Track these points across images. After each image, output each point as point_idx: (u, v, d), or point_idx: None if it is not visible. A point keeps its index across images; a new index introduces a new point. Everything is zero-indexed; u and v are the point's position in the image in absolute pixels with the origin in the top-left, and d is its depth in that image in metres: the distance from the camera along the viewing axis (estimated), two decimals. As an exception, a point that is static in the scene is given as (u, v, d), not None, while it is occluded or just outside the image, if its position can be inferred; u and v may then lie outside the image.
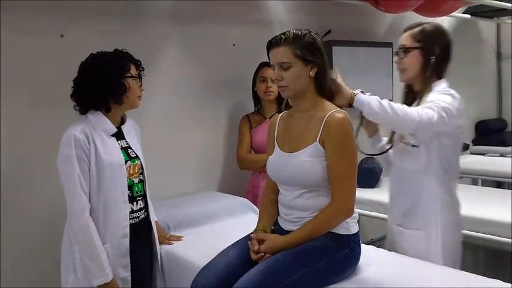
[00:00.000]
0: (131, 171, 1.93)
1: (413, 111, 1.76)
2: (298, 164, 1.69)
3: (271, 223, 1.83)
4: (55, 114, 2.30)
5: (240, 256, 1.72)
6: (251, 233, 1.79)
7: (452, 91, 1.90)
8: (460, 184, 4.24)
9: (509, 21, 4.85)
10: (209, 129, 3.04)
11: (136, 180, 1.96)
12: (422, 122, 1.74)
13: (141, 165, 1.98)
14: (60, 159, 1.80)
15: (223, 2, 3.00)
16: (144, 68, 1.96)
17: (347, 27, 3.71)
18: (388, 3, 3.23)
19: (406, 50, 1.94)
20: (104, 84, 1.84)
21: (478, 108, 5.26)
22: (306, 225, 1.69)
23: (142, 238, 2.00)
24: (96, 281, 1.79)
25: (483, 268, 3.75)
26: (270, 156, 1.82)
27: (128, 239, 1.89)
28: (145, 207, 2.02)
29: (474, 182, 4.35)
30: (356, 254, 1.73)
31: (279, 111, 1.93)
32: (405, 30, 1.98)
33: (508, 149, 4.71)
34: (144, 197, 2.00)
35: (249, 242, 1.74)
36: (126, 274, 1.90)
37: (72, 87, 1.88)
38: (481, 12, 4.53)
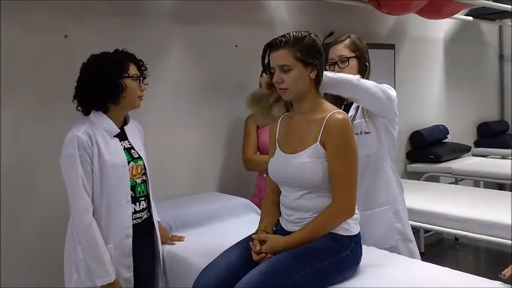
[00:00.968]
0: (134, 172, 1.94)
1: (372, 85, 1.97)
2: (299, 165, 1.70)
3: (272, 224, 1.83)
4: (58, 114, 2.32)
5: (242, 257, 1.72)
6: (253, 234, 1.80)
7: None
8: (462, 186, 4.27)
9: (511, 23, 4.85)
10: (211, 129, 3.05)
11: (139, 181, 1.96)
12: (387, 96, 2.00)
13: (144, 165, 1.99)
14: (63, 160, 1.81)
15: (226, 2, 3.01)
16: (146, 68, 1.96)
17: (349, 28, 3.70)
18: (390, 5, 3.24)
19: (346, 59, 2.12)
20: (100, 84, 1.84)
21: (479, 110, 5.27)
22: (307, 226, 1.69)
23: (145, 238, 2.01)
24: (99, 281, 1.80)
25: (484, 270, 3.75)
26: (271, 158, 1.83)
27: (131, 239, 1.90)
28: (148, 207, 2.02)
29: (476, 184, 4.36)
30: (357, 255, 1.74)
31: (287, 112, 1.94)
32: (336, 43, 2.17)
33: (510, 151, 4.71)
34: (146, 198, 2.01)
35: (251, 243, 1.74)
36: (129, 274, 1.91)
37: (74, 88, 1.89)
38: (483, 14, 4.54)
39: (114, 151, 1.87)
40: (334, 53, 2.15)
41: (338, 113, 1.69)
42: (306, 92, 1.73)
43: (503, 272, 1.61)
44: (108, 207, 1.84)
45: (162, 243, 2.12)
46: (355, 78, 1.94)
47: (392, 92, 2.05)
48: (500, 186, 4.42)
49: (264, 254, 1.69)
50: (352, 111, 2.15)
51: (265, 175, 2.75)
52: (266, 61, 1.75)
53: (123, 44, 1.97)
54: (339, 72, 2.08)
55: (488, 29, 5.32)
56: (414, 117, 4.35)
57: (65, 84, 1.96)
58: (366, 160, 2.08)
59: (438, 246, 4.25)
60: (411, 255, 2.17)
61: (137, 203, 1.95)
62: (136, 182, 1.95)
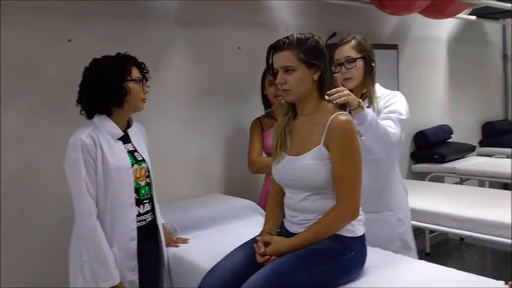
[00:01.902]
0: (138, 175, 1.94)
1: (392, 135, 1.98)
2: (302, 167, 1.70)
3: (277, 226, 1.83)
4: (62, 118, 2.32)
5: (246, 259, 1.72)
6: (257, 236, 1.80)
7: (399, 92, 2.17)
8: (467, 186, 4.25)
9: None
10: (215, 131, 3.05)
11: (143, 183, 1.97)
12: (396, 143, 2.00)
13: (148, 168, 1.99)
14: (68, 164, 1.82)
15: (229, 4, 3.01)
16: (148, 71, 1.97)
17: (352, 29, 3.70)
18: (393, 5, 3.23)
19: (353, 60, 2.12)
20: (104, 87, 1.85)
21: (483, 110, 5.25)
22: (312, 228, 1.69)
23: (149, 241, 2.01)
24: (103, 284, 1.80)
25: (490, 270, 3.74)
26: (274, 160, 1.83)
27: (135, 242, 1.90)
28: (152, 210, 2.03)
29: (481, 184, 4.34)
30: (362, 257, 1.73)
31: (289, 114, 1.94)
32: (341, 44, 2.16)
33: (515, 150, 4.69)
34: (150, 200, 2.01)
35: (255, 245, 1.74)
36: (134, 277, 1.91)
37: (78, 93, 1.90)
38: (486, 14, 4.52)
39: (118, 154, 1.88)
40: (340, 54, 2.14)
41: (341, 115, 1.69)
42: (309, 93, 1.73)
43: (509, 283, 1.60)
44: (112, 210, 1.85)
45: (166, 246, 2.12)
46: (394, 135, 1.97)
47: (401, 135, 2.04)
48: (506, 186, 4.39)
49: (268, 256, 1.68)
50: None
51: (271, 176, 2.75)
52: (270, 63, 1.76)
53: (127, 47, 1.98)
54: (345, 73, 2.12)
55: (492, 28, 5.30)
56: (418, 117, 4.33)
57: (69, 88, 1.97)
58: (374, 164, 2.07)
59: (443, 247, 4.24)
60: None
61: (141, 206, 1.96)
62: (140, 184, 1.95)
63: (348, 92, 1.80)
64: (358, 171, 1.69)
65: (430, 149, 4.33)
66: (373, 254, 1.83)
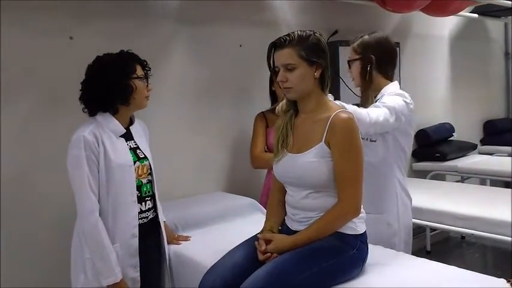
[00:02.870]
0: (140, 172, 1.94)
1: (364, 112, 1.94)
2: (304, 165, 1.70)
3: (278, 223, 1.83)
4: (64, 115, 2.33)
5: (247, 256, 1.73)
6: (258, 233, 1.80)
7: (403, 92, 2.13)
8: (468, 184, 4.25)
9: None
10: (216, 129, 3.05)
11: (144, 181, 1.97)
12: (371, 121, 1.93)
13: (150, 165, 2.00)
14: (70, 161, 1.82)
15: (230, 2, 3.01)
16: (150, 68, 1.98)
17: (354, 27, 3.69)
18: (395, 3, 3.23)
19: (349, 62, 2.20)
20: (110, 86, 1.85)
21: (485, 108, 5.24)
22: (313, 226, 1.69)
23: (151, 238, 2.02)
24: (105, 281, 1.81)
25: (491, 268, 3.74)
26: (275, 157, 1.83)
27: (137, 239, 1.90)
28: (154, 207, 2.03)
29: (482, 182, 4.34)
30: (363, 254, 1.74)
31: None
32: (349, 45, 2.22)
33: (516, 148, 4.68)
34: (152, 198, 2.02)
35: (256, 242, 1.74)
36: (136, 274, 1.92)
37: (80, 90, 1.90)
38: (488, 11, 4.51)
39: (120, 151, 1.88)
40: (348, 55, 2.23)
41: (343, 112, 1.69)
42: (310, 91, 1.72)
43: (511, 280, 1.60)
44: (114, 207, 1.85)
45: (168, 243, 2.12)
46: (367, 115, 1.93)
47: (391, 118, 1.99)
48: (507, 184, 4.38)
49: (269, 254, 1.69)
50: None
51: (272, 172, 2.74)
52: (271, 60, 1.76)
53: (128, 45, 1.98)
54: (349, 72, 2.20)
55: (494, 26, 5.29)
56: (419, 115, 4.29)
57: (71, 85, 1.97)
58: (367, 168, 1.99)
59: (444, 245, 4.23)
60: None
61: (143, 203, 1.96)
62: (142, 182, 1.96)
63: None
64: (360, 169, 1.69)
65: (432, 147, 4.32)
66: (374, 252, 1.83)
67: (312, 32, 1.72)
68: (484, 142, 5.14)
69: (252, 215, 2.61)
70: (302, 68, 1.69)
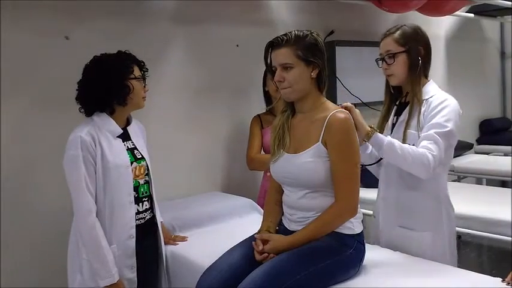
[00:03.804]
0: (137, 173, 1.94)
1: (425, 158, 1.76)
2: (301, 165, 1.70)
3: (275, 223, 1.83)
4: (60, 115, 2.32)
5: (245, 256, 1.73)
6: (255, 234, 1.80)
7: (451, 97, 1.91)
8: (464, 184, 4.25)
9: (512, 20, 4.85)
10: (213, 129, 3.05)
11: (142, 182, 1.97)
12: (431, 168, 1.77)
13: (147, 166, 2.00)
14: (67, 161, 1.82)
15: (227, 2, 3.01)
16: (147, 69, 1.98)
17: (350, 27, 3.71)
18: (391, 3, 3.23)
19: (393, 55, 1.94)
20: (107, 86, 1.85)
21: (481, 107, 5.26)
22: (310, 225, 1.69)
23: (148, 239, 2.01)
24: (102, 282, 1.81)
25: (488, 267, 3.75)
26: (272, 158, 1.83)
27: (134, 240, 1.90)
28: (151, 208, 2.03)
29: (479, 182, 4.35)
30: (360, 254, 1.74)
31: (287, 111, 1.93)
32: (385, 36, 1.98)
33: (512, 148, 4.70)
34: (149, 198, 2.01)
35: (254, 243, 1.74)
36: (132, 275, 1.91)
37: (76, 90, 1.90)
38: (484, 11, 4.52)
39: (117, 152, 1.88)
40: (382, 47, 1.97)
41: (339, 112, 1.69)
42: (307, 91, 1.73)
43: (506, 279, 1.60)
44: (111, 207, 1.85)
45: (165, 244, 2.12)
46: (429, 159, 1.75)
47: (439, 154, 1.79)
48: (503, 184, 4.40)
49: (266, 254, 1.69)
50: (404, 115, 1.96)
51: (269, 174, 2.75)
52: (268, 60, 1.76)
53: (124, 44, 1.98)
54: (386, 69, 1.95)
55: (490, 25, 5.30)
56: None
57: (67, 85, 1.97)
58: (413, 176, 1.86)
59: (441, 244, 4.23)
60: None
61: (140, 204, 1.96)
62: (139, 182, 1.95)
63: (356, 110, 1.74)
64: (356, 169, 1.69)
65: (428, 146, 4.32)
66: (371, 251, 1.83)
67: (309, 32, 1.72)
68: (480, 141, 5.16)
69: (249, 215, 2.61)
70: (299, 68, 1.69)
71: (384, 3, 3.22)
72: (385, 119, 2.07)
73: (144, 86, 1.95)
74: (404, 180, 1.95)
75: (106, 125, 1.88)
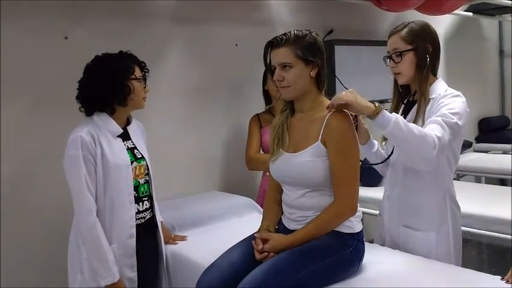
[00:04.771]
0: (137, 172, 1.95)
1: (430, 138, 1.68)
2: (300, 164, 1.70)
3: (275, 222, 1.84)
4: (60, 115, 2.32)
5: (244, 256, 1.73)
6: (255, 233, 1.80)
7: (460, 94, 1.91)
8: (463, 182, 4.26)
9: (511, 18, 4.85)
10: (212, 129, 3.05)
11: (142, 181, 1.97)
12: (436, 150, 1.69)
13: (147, 166, 2.00)
14: (67, 161, 1.82)
15: (226, 2, 3.01)
16: (148, 70, 1.99)
17: (349, 26, 3.71)
18: (390, 2, 3.23)
19: (400, 53, 1.90)
20: (108, 86, 1.86)
21: (480, 106, 5.26)
22: (310, 224, 1.70)
23: (148, 238, 2.02)
24: (103, 281, 1.81)
25: (488, 266, 3.75)
26: (271, 157, 1.83)
27: (134, 239, 1.91)
28: (151, 207, 2.03)
29: (478, 180, 4.35)
30: (360, 253, 1.74)
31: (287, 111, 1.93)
32: (392, 33, 1.94)
33: (511, 146, 4.71)
34: (149, 198, 2.02)
35: (253, 242, 1.75)
36: (133, 274, 1.92)
37: (77, 89, 1.90)
38: (483, 10, 4.53)
39: (118, 151, 1.88)
40: (389, 45, 1.93)
41: (339, 112, 1.69)
42: (306, 90, 1.73)
43: (505, 278, 1.60)
44: (112, 207, 1.85)
45: (164, 243, 2.12)
46: (434, 139, 1.67)
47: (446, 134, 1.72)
48: (502, 182, 4.41)
49: (266, 253, 1.69)
50: (411, 115, 1.92)
51: (268, 174, 2.75)
52: (268, 60, 1.76)
53: (124, 44, 1.98)
54: (394, 67, 1.91)
55: (488, 24, 5.31)
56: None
57: (66, 85, 1.97)
58: (419, 176, 1.86)
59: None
60: None
61: (140, 203, 1.96)
62: (139, 182, 1.96)
63: (348, 94, 1.64)
64: (356, 168, 1.70)
65: (427, 145, 4.32)
66: (371, 250, 1.83)
67: (308, 32, 1.73)
68: (479, 140, 5.17)
69: (248, 214, 2.61)
70: (298, 67, 1.69)
71: (383, 2, 3.23)
72: None
73: (145, 87, 1.95)
74: (410, 179, 1.94)
75: (106, 125, 1.88)
